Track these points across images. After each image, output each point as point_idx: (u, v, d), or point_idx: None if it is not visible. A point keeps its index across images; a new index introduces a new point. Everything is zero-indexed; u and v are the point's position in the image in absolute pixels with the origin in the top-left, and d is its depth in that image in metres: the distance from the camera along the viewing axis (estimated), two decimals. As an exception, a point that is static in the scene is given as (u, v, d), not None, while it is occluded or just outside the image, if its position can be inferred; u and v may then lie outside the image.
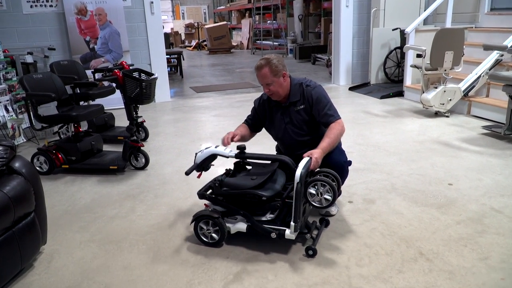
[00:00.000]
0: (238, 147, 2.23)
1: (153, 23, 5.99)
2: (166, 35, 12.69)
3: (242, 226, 2.23)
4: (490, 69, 4.66)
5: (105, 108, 3.86)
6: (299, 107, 2.45)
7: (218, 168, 2.67)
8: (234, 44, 15.87)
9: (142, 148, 3.49)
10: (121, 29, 5.75)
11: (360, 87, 6.71)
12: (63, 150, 3.46)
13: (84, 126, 4.27)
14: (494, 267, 2.01)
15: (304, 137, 2.48)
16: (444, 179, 3.07)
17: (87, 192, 3.12)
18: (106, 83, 4.50)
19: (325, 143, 2.26)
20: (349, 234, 2.36)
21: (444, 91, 4.68)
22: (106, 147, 3.90)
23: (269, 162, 2.34)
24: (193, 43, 17.14)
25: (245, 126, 2.61)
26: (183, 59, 9.71)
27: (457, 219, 2.47)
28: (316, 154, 2.17)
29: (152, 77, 3.49)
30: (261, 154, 2.28)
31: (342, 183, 2.46)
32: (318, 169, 2.23)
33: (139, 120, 3.91)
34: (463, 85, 4.79)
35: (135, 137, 3.47)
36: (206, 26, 15.47)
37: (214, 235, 2.26)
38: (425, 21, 6.44)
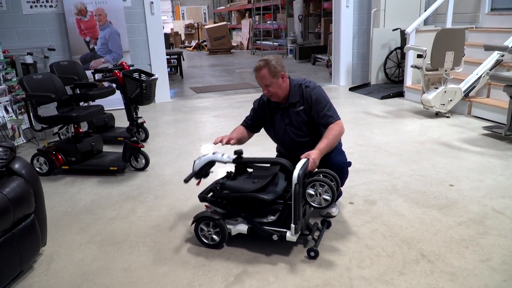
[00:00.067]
0: (235, 152, 2.23)
1: (153, 24, 5.98)
2: (166, 36, 12.67)
3: (243, 228, 2.22)
4: (490, 70, 4.65)
5: (105, 109, 3.85)
6: (298, 108, 2.44)
7: (219, 170, 2.66)
8: (234, 44, 15.86)
9: (142, 149, 3.48)
10: (121, 29, 5.75)
11: (361, 87, 6.70)
12: (63, 151, 3.45)
13: (84, 127, 4.26)
14: (496, 269, 2.00)
15: (304, 138, 2.48)
16: (445, 180, 3.06)
17: (87, 193, 3.11)
18: (106, 84, 4.49)
19: (323, 144, 2.25)
20: (350, 236, 2.35)
21: (445, 92, 4.68)
22: (106, 148, 3.89)
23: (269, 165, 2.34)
24: (193, 43, 17.14)
25: (242, 129, 2.60)
26: (183, 60, 9.70)
27: (459, 221, 2.46)
28: (314, 155, 2.17)
29: (152, 77, 3.48)
30: (258, 158, 2.28)
31: (342, 184, 2.46)
32: (317, 169, 2.23)
33: (139, 120, 3.91)
34: (463, 86, 4.78)
35: (135, 138, 3.46)
36: (206, 27, 15.46)
37: (214, 236, 2.25)
38: (426, 22, 6.44)
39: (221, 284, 1.98)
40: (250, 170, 2.45)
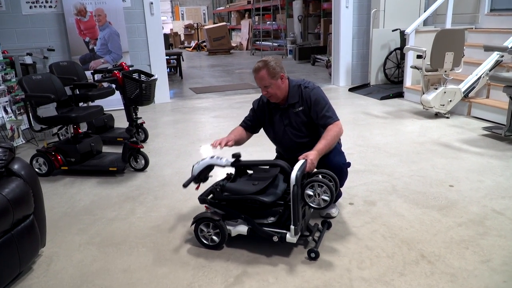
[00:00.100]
0: (233, 155, 2.23)
1: (153, 24, 5.98)
2: (166, 36, 12.65)
3: (243, 229, 2.22)
4: (490, 70, 4.65)
5: (104, 109, 3.84)
6: (298, 109, 2.43)
7: (219, 172, 2.66)
8: (233, 45, 15.86)
9: (141, 149, 3.48)
10: (120, 30, 5.74)
11: (360, 88, 6.70)
12: (62, 152, 3.44)
13: (83, 127, 4.25)
14: (496, 270, 1.99)
15: (303, 139, 2.47)
16: (445, 180, 3.06)
17: (86, 194, 3.10)
18: (105, 84, 4.49)
19: (321, 145, 2.25)
20: (350, 237, 2.35)
21: (445, 92, 4.68)
22: (105, 149, 3.88)
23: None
24: (193, 44, 17.13)
25: (240, 129, 2.60)
26: (183, 60, 9.70)
27: (459, 221, 2.46)
28: (312, 156, 2.17)
29: (152, 78, 3.48)
30: (256, 161, 2.27)
31: (342, 185, 2.46)
32: (315, 170, 2.23)
33: (139, 121, 3.90)
34: (463, 86, 4.78)
35: (134, 139, 3.46)
36: (206, 27, 15.46)
37: (214, 237, 2.25)
38: (425, 22, 6.44)
39: (221, 285, 1.97)
40: (250, 172, 2.45)
